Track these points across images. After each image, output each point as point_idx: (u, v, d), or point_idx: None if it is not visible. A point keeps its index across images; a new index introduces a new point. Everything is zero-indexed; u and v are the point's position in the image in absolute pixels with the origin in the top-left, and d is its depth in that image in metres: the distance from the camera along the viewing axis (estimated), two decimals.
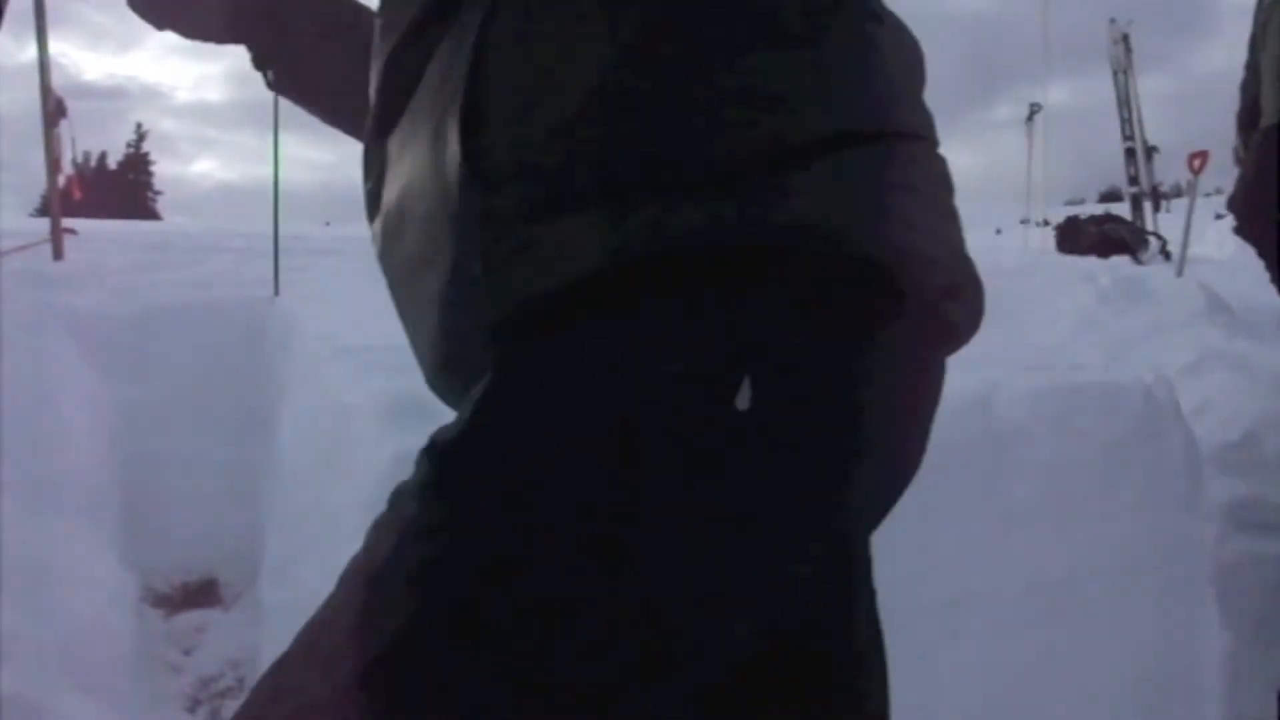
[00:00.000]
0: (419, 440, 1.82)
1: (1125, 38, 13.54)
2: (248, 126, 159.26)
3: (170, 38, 1.13)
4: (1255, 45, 5.24)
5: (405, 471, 1.80)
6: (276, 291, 3.69)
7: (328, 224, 16.90)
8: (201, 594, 3.18)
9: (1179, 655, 2.36)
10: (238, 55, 1.14)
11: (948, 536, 2.08)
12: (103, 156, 60.46)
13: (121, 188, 56.25)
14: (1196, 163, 5.62)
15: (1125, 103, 13.87)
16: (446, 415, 1.94)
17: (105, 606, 2.42)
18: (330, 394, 2.19)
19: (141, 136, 64.12)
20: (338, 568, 1.74)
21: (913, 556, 2.04)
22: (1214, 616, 2.46)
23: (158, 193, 62.88)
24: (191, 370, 3.42)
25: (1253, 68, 5.26)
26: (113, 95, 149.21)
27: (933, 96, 0.89)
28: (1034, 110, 13.10)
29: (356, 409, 1.92)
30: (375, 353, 2.45)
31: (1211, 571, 2.51)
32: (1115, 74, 13.98)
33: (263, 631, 2.53)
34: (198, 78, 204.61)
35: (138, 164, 62.26)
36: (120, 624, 2.48)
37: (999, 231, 27.40)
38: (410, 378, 2.03)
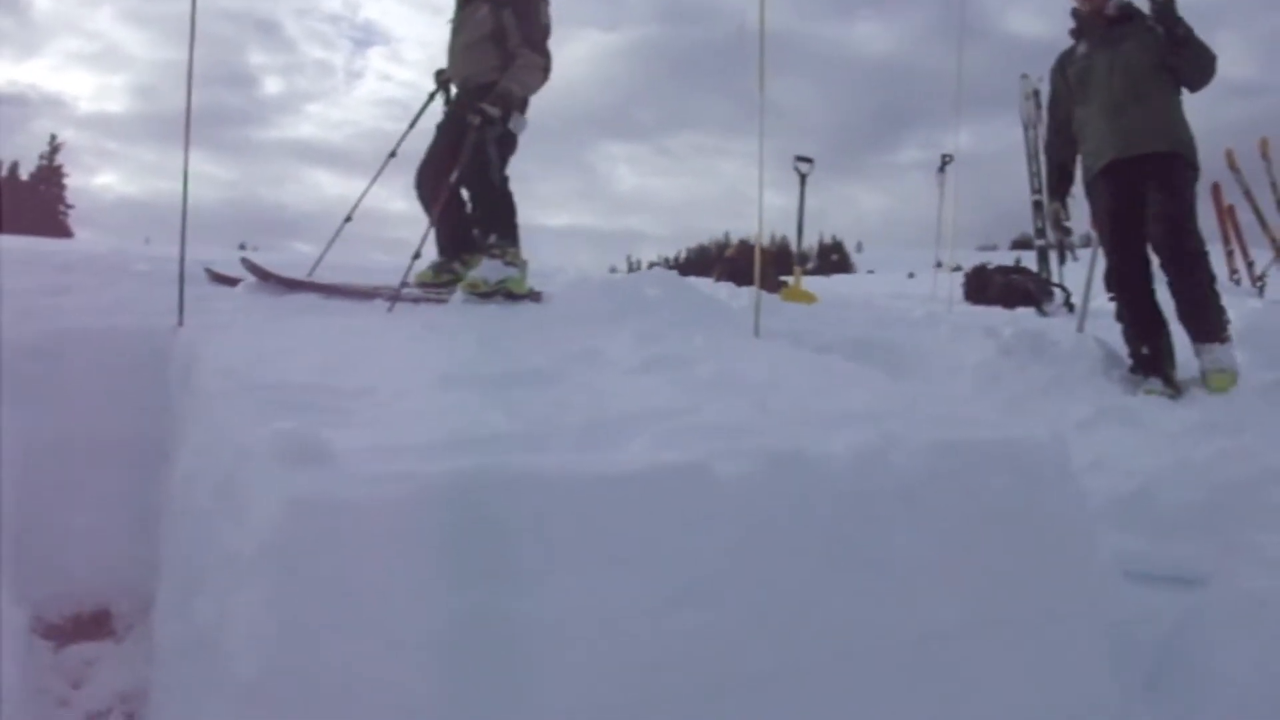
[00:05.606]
0: (315, 486, 1.81)
1: (1036, 93, 13.82)
2: (148, 140, 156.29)
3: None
4: (1056, 104, 5.61)
5: (299, 516, 1.77)
6: (181, 321, 3.64)
7: (242, 247, 16.57)
8: (94, 625, 3.11)
9: (1070, 708, 2.41)
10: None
11: (843, 587, 2.11)
12: (14, 167, 58.87)
13: (34, 201, 54.68)
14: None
15: (1034, 157, 14.16)
16: (344, 462, 1.92)
17: None
18: (229, 432, 2.17)
19: (55, 148, 62.41)
20: (231, 606, 1.72)
21: (807, 608, 2.06)
22: (1104, 669, 2.52)
23: (70, 206, 61.24)
24: (92, 399, 3.36)
25: (1058, 130, 5.59)
26: (13, 103, 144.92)
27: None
28: (945, 161, 13.32)
29: (254, 449, 1.89)
30: (276, 390, 2.43)
31: (1102, 625, 2.57)
32: (1026, 128, 14.29)
33: (155, 667, 2.47)
34: (98, 88, 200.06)
35: (50, 176, 60.63)
36: (7, 655, 2.41)
37: (912, 275, 27.88)
38: (309, 418, 2.01)
